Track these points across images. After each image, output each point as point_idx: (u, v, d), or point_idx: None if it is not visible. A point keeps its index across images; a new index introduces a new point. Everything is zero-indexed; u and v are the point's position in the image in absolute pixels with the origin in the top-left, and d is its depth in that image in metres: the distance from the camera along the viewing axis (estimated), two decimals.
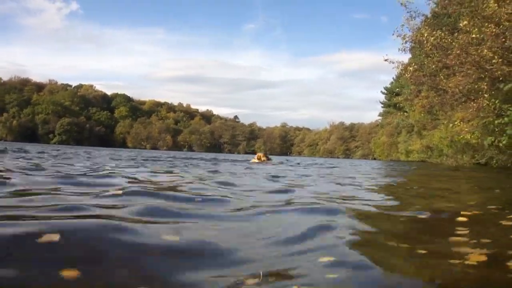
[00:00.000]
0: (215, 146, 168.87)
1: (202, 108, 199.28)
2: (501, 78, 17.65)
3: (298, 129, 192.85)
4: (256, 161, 23.45)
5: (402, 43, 25.33)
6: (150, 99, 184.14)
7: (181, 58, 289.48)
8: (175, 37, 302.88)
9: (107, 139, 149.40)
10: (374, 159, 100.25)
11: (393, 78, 71.51)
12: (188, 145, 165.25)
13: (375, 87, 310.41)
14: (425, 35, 20.96)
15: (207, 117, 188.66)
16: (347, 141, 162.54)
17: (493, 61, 16.93)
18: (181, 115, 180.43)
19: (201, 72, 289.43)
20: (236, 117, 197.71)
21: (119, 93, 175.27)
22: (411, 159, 51.13)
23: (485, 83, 19.24)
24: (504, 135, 16.08)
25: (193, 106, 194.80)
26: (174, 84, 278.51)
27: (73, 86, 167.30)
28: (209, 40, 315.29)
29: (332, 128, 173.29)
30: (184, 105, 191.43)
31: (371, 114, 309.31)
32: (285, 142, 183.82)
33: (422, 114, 33.92)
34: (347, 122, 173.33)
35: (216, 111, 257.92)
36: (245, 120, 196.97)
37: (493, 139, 17.78)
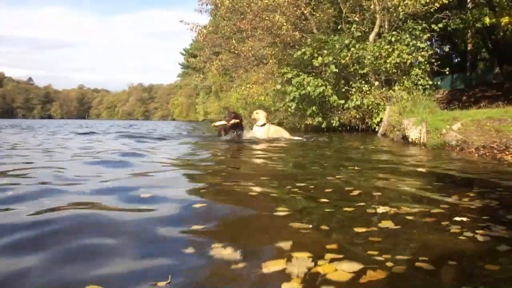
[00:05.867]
0: (7, 111, 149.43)
1: None
2: (291, 44, 17.97)
3: (96, 91, 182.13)
4: None
5: (199, 5, 24.47)
6: None
7: None
8: None
9: None
10: (173, 120, 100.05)
11: (192, 39, 70.50)
12: None
13: (178, 48, 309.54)
14: None
15: None
16: (146, 102, 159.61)
17: (283, 27, 17.02)
18: None
19: None
20: (30, 79, 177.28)
21: None
22: (212, 122, 51.56)
23: (277, 49, 19.49)
24: (291, 101, 16.24)
25: None
26: None
27: None
28: None
29: (131, 89, 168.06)
30: None
31: (172, 75, 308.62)
32: (82, 105, 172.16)
33: (219, 76, 33.99)
34: (146, 83, 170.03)
35: (9, 72, 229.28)
36: (41, 83, 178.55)
37: (282, 105, 18.07)
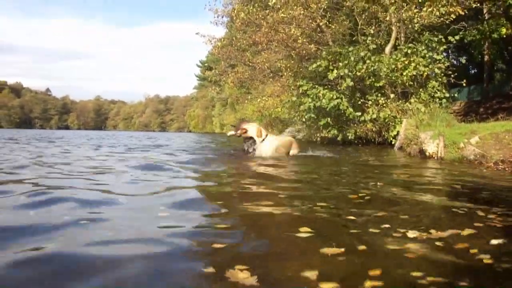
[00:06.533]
0: (25, 122, 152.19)
1: (10, 80, 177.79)
2: (307, 57, 17.95)
3: (113, 102, 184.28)
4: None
5: (215, 17, 24.67)
6: None
7: None
8: None
9: None
10: (190, 131, 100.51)
11: (208, 51, 70.93)
12: None
13: (194, 60, 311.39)
14: (236, 10, 20.45)
15: (17, 90, 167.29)
16: (162, 114, 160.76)
17: (299, 40, 17.02)
18: None
19: (10, 40, 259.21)
20: (48, 89, 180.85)
21: None
22: (225, 132, 51.72)
23: (292, 61, 19.48)
24: (306, 113, 16.16)
25: (0, 78, 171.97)
26: None
27: None
28: (20, 6, 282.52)
29: (148, 101, 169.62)
30: None
31: (188, 87, 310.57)
32: (99, 116, 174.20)
33: (235, 89, 34.10)
34: (163, 95, 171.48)
35: (27, 83, 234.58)
36: (58, 93, 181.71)
37: (297, 116, 18.06)
